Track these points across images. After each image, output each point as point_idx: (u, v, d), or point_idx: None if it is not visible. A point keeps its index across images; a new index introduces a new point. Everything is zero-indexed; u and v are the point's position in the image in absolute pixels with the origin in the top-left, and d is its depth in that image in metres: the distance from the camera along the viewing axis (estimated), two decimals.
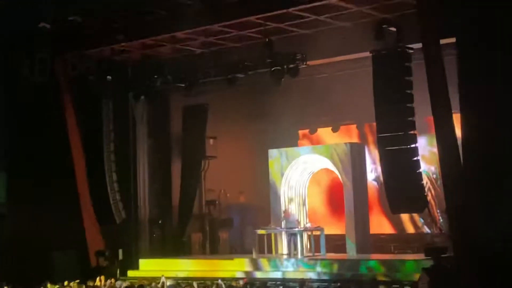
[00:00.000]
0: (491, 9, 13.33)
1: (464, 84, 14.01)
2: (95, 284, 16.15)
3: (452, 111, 14.05)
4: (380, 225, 19.38)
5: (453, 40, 14.24)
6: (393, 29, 15.29)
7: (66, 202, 18.60)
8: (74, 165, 19.16)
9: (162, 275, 15.83)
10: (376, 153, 18.45)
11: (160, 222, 20.08)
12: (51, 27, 18.48)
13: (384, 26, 15.30)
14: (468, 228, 13.63)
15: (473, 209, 13.50)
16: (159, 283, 14.91)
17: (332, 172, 18.50)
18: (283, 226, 17.60)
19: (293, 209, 18.41)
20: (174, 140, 20.81)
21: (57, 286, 15.42)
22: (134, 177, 19.85)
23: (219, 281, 14.87)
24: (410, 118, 15.07)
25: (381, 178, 16.59)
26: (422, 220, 18.90)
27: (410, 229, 19.17)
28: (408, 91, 15.09)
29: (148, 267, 18.51)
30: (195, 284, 14.90)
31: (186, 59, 18.99)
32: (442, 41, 14.27)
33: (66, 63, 19.25)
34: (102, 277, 16.58)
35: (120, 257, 18.81)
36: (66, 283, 15.66)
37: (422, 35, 14.42)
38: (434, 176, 18.64)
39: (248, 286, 13.45)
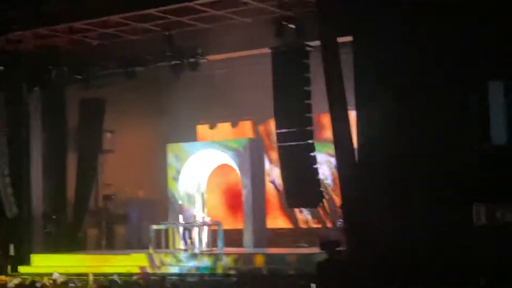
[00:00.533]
0: (387, 9, 13.67)
1: (360, 81, 14.35)
2: None
3: (347, 108, 14.41)
4: (277, 220, 19.52)
5: (350, 38, 14.52)
6: (293, 26, 15.41)
7: None
8: None
9: (55, 272, 15.47)
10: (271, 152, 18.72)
11: (54, 217, 19.50)
12: None
13: (284, 23, 15.41)
14: (361, 222, 13.95)
15: (367, 205, 13.82)
16: (51, 279, 14.44)
17: (231, 167, 18.45)
18: (180, 220, 17.43)
19: (191, 203, 18.29)
20: (70, 133, 20.25)
21: None
22: (27, 171, 19.12)
23: (114, 277, 14.53)
24: (308, 115, 15.27)
25: (276, 176, 16.75)
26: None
27: (306, 224, 19.35)
28: (306, 88, 15.27)
29: (40, 263, 17.98)
30: (91, 276, 14.53)
31: (83, 51, 18.47)
32: (340, 40, 14.56)
33: None
34: None
35: (11, 252, 18.27)
36: None
37: (320, 33, 14.65)
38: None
39: (142, 282, 13.24)
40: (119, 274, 15.25)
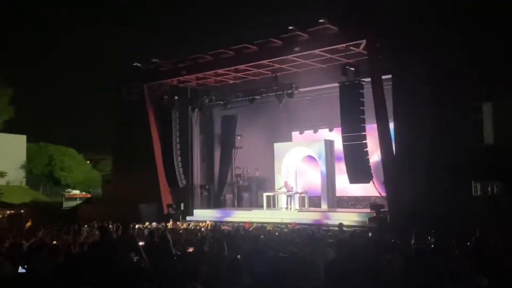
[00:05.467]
0: (413, 58, 13.42)
1: (396, 104, 14.14)
2: (166, 224, 16.17)
3: (388, 121, 14.21)
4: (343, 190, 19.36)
5: (389, 76, 14.32)
6: (353, 68, 15.29)
7: (149, 174, 18.84)
8: (154, 151, 19.30)
9: (207, 220, 16.00)
10: None
11: (207, 187, 20.14)
12: (141, 65, 18.72)
13: (347, 66, 15.30)
14: (396, 194, 13.76)
15: (400, 182, 13.63)
16: (206, 223, 14.95)
17: (313, 157, 18.48)
18: (283, 190, 17.58)
19: (289, 180, 18.37)
20: (216, 136, 20.82)
21: (140, 225, 15.35)
22: (191, 158, 19.89)
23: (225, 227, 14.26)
24: (362, 125, 15.03)
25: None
26: None
27: (362, 194, 19.02)
28: (361, 108, 15.05)
29: (199, 214, 18.58)
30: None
31: (224, 86, 19.04)
32: (383, 77, 14.39)
33: (150, 88, 19.40)
34: (171, 220, 16.67)
35: (182, 208, 18.96)
36: (147, 223, 15.72)
37: (371, 73, 14.52)
38: None
39: (252, 227, 13.29)
40: (243, 222, 15.44)
